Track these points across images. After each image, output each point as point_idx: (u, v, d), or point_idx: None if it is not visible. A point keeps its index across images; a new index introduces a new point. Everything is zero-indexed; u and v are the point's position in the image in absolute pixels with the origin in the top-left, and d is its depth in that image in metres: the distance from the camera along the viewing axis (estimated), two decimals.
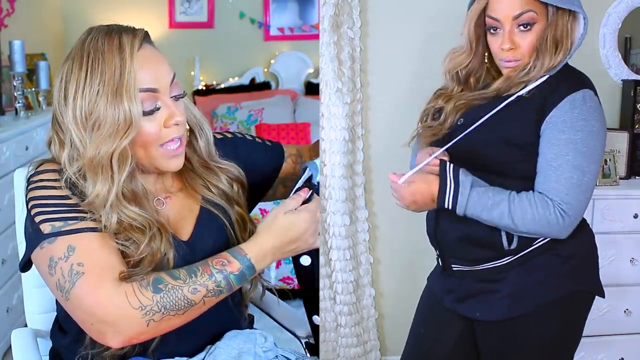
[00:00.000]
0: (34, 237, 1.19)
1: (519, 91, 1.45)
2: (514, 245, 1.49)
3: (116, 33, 1.21)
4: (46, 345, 1.45)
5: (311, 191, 1.33)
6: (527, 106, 1.44)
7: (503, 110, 1.44)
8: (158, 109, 1.22)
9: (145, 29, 1.26)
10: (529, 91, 1.44)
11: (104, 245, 1.17)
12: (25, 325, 1.57)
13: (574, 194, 1.40)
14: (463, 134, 1.46)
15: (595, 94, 1.46)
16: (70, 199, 1.20)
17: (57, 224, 1.17)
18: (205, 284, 1.17)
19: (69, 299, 1.15)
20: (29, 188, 1.24)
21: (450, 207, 1.45)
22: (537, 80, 1.44)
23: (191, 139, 1.35)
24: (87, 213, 1.18)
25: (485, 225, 1.47)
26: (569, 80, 1.45)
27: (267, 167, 1.47)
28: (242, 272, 1.21)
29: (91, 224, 1.18)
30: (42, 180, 1.23)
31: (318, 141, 1.67)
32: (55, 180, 1.22)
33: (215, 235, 1.32)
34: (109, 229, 1.18)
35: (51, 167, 1.24)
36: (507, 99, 1.45)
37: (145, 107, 1.20)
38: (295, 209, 1.28)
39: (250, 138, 1.49)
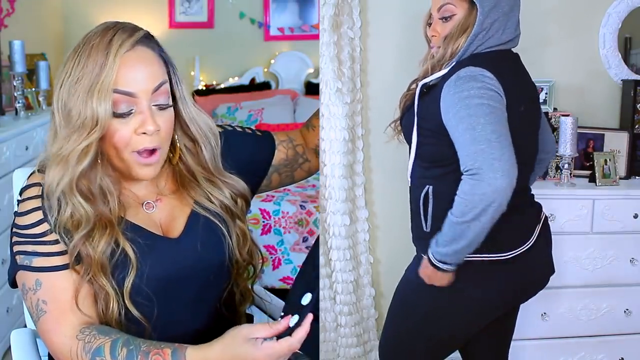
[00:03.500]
0: (12, 262, 1.24)
1: (426, 78, 1.59)
2: (428, 227, 1.59)
3: (113, 30, 1.21)
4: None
5: (298, 318, 1.07)
6: (436, 95, 1.54)
7: (425, 101, 1.57)
8: (131, 113, 1.20)
9: (148, 31, 1.25)
10: (436, 79, 1.57)
11: (68, 284, 1.20)
12: (25, 326, 1.56)
13: (469, 151, 1.43)
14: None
15: (484, 66, 1.50)
16: (43, 223, 1.21)
17: (28, 257, 1.21)
18: None
19: (37, 327, 1.22)
20: (17, 206, 1.27)
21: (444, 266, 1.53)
22: (444, 68, 1.57)
23: (196, 150, 1.34)
24: (56, 244, 1.21)
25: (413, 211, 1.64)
26: (457, 66, 1.53)
27: (260, 157, 1.47)
28: None
29: (58, 261, 1.20)
30: (24, 201, 1.25)
31: (317, 111, 1.61)
32: (36, 197, 1.24)
33: (205, 235, 1.31)
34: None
35: (37, 181, 1.26)
36: (424, 88, 1.60)
37: (118, 109, 1.19)
38: (263, 340, 1.09)
39: (241, 129, 1.48)
